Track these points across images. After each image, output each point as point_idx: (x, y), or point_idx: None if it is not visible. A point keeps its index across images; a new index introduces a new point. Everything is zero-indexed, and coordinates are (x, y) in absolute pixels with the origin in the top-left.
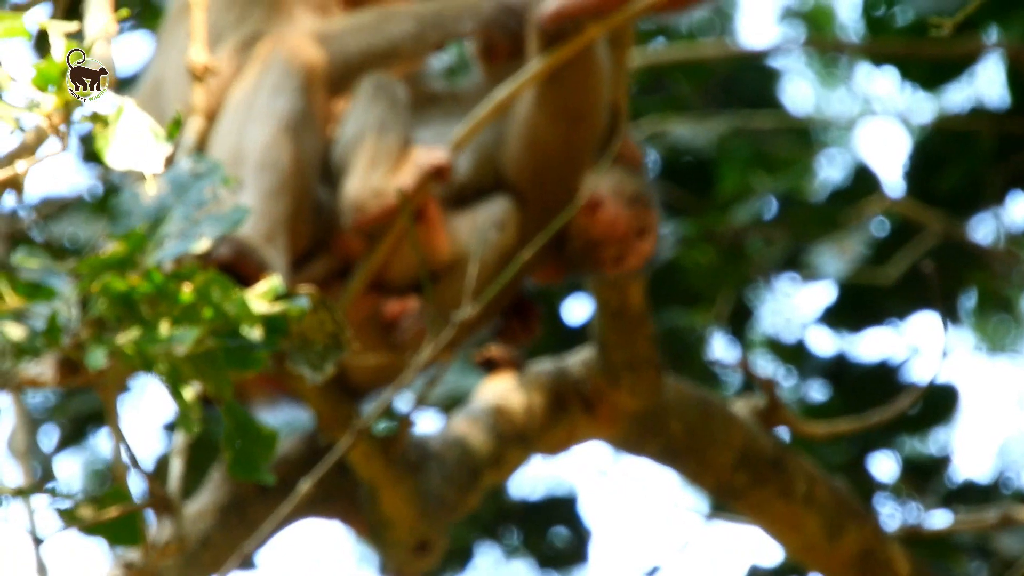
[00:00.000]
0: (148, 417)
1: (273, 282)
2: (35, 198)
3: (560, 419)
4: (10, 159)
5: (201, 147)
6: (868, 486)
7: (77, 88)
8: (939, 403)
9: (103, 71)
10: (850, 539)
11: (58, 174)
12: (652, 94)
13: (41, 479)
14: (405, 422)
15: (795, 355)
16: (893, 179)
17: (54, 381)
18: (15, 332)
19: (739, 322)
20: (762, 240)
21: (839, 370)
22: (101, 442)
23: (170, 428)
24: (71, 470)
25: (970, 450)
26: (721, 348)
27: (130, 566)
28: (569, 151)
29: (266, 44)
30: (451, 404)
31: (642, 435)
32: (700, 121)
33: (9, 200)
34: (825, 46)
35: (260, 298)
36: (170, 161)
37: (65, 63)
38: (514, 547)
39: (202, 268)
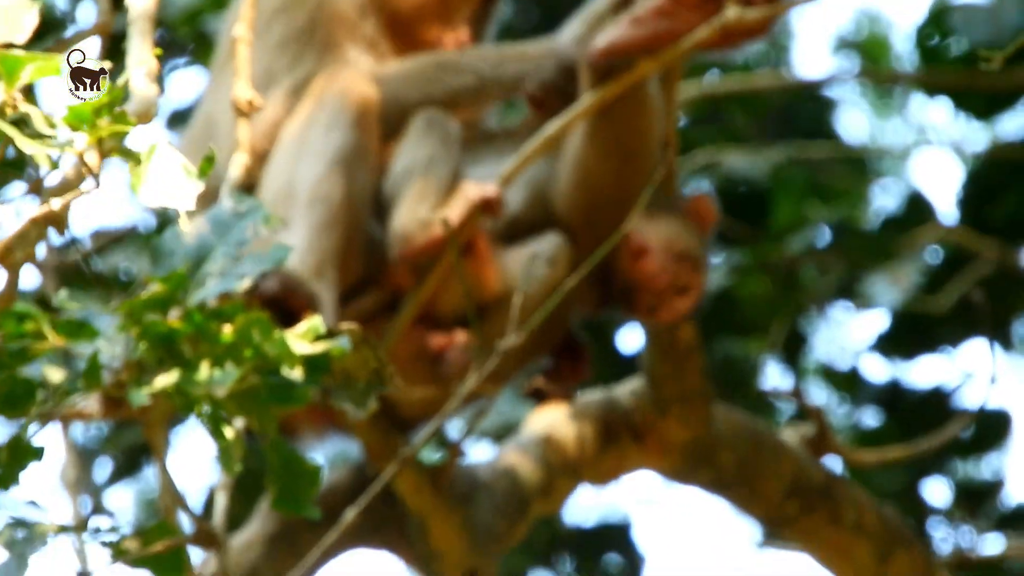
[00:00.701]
0: (199, 446)
1: (314, 321)
2: (87, 231)
3: (609, 449)
4: (50, 196)
5: (250, 185)
6: (921, 512)
7: (110, 125)
8: (992, 428)
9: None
10: (900, 565)
11: (111, 207)
12: (707, 124)
13: (92, 511)
14: (454, 452)
15: (849, 382)
16: (947, 208)
17: (99, 415)
18: (56, 374)
19: (793, 350)
20: (816, 269)
21: (893, 397)
22: (153, 473)
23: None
24: (124, 502)
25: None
26: (775, 376)
27: None
28: (620, 187)
29: (319, 83)
30: (503, 435)
31: (692, 465)
32: (755, 152)
33: (55, 236)
34: (879, 77)
35: (301, 338)
36: (217, 198)
37: (98, 101)
38: (568, 574)
39: (249, 303)
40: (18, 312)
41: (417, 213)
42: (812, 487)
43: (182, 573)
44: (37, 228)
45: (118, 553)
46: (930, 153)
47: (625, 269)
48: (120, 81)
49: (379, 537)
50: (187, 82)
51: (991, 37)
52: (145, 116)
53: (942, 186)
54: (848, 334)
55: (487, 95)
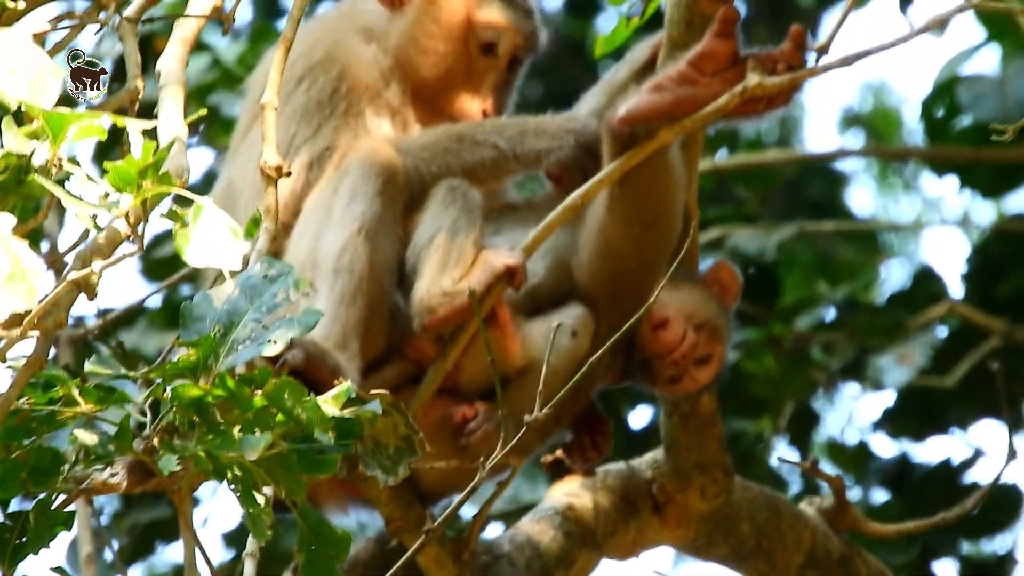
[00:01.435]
0: (211, 527)
1: (345, 386)
2: (98, 307)
3: (629, 520)
4: (83, 261)
5: (274, 253)
6: None
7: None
8: (1004, 504)
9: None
10: None
11: (119, 285)
12: (716, 203)
13: None
14: (476, 523)
15: (857, 459)
16: (954, 283)
17: (127, 486)
18: (87, 438)
19: (802, 427)
20: (823, 348)
21: (900, 472)
22: (165, 553)
23: (231, 539)
24: None
25: None
26: (785, 453)
27: None
28: (642, 256)
29: (341, 153)
30: (516, 513)
31: (712, 537)
32: (764, 229)
33: (81, 305)
34: (886, 153)
35: (332, 402)
36: (244, 264)
37: (143, 162)
38: None
39: (275, 372)
40: (48, 377)
41: (440, 282)
42: (830, 558)
43: None
44: (70, 294)
45: None
46: (939, 229)
47: (646, 340)
48: (163, 144)
49: None
50: (196, 158)
51: (998, 109)
52: (181, 180)
53: (950, 261)
54: (856, 411)
55: (506, 169)
